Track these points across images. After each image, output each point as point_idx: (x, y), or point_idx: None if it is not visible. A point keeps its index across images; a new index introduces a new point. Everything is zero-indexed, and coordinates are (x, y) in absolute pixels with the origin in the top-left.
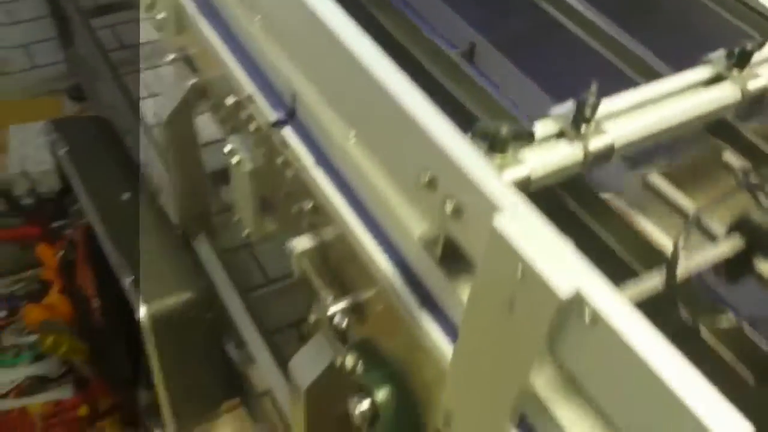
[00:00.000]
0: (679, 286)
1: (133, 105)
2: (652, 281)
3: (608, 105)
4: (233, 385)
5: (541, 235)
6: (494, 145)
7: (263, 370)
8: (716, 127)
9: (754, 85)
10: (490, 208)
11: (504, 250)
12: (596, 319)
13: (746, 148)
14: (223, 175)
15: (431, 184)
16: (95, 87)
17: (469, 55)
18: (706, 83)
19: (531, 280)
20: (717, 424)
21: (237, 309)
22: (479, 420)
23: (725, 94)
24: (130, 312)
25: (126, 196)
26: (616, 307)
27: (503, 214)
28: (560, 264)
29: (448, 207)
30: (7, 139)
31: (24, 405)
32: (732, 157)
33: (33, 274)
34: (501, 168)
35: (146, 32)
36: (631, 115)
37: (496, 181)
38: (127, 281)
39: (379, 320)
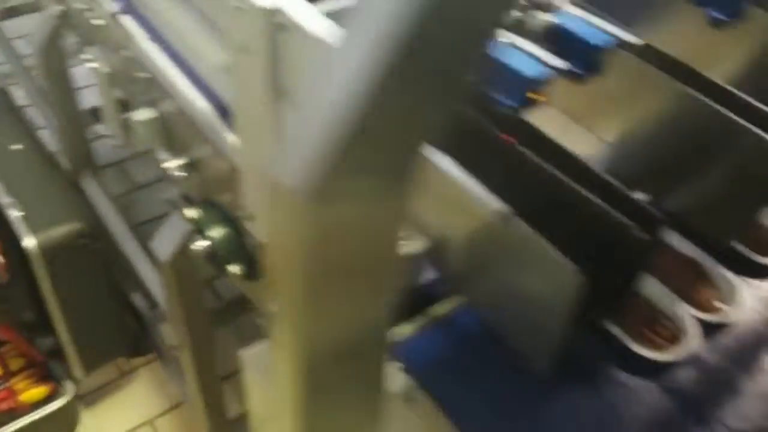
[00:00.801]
0: None
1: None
2: None
3: None
4: (143, 341)
5: None
6: None
7: (154, 291)
8: None
9: None
10: None
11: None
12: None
13: None
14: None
15: None
16: None
17: None
18: None
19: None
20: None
21: (125, 239)
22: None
23: None
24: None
25: (16, 146)
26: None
27: None
28: None
29: None
30: None
31: None
32: None
33: None
34: None
35: None
36: None
37: None
38: (15, 215)
39: (207, 165)
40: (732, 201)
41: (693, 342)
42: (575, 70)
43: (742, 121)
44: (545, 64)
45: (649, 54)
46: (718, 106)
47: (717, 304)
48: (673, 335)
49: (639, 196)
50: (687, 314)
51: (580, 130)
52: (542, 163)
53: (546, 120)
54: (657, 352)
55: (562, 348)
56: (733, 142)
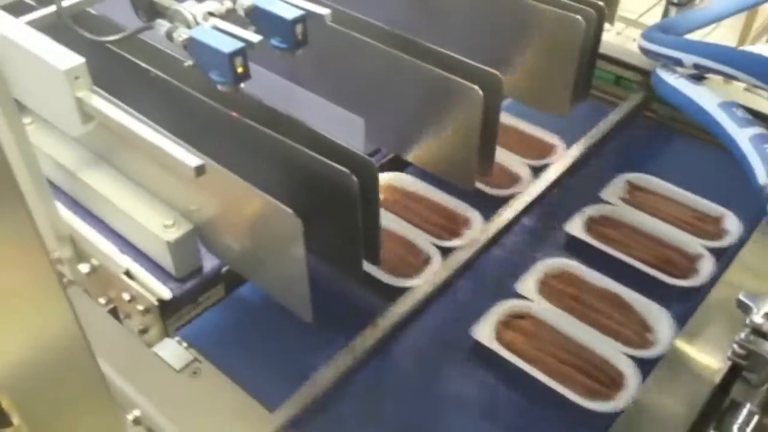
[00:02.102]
0: None
1: None
2: None
3: None
4: None
5: None
6: None
7: None
8: None
9: None
10: None
11: None
12: None
13: None
14: None
15: None
16: None
17: None
18: None
19: None
20: None
21: None
22: None
23: None
24: None
25: None
26: None
27: None
28: None
29: None
30: None
31: None
32: None
33: None
34: None
35: None
36: None
37: None
38: None
39: None
40: (464, 148)
41: (434, 267)
42: (280, 45)
43: (438, 70)
44: (242, 40)
45: (344, 20)
46: (416, 61)
47: (457, 234)
48: (419, 266)
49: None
50: (428, 243)
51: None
52: (266, 130)
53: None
54: (410, 279)
55: (317, 296)
56: (437, 91)
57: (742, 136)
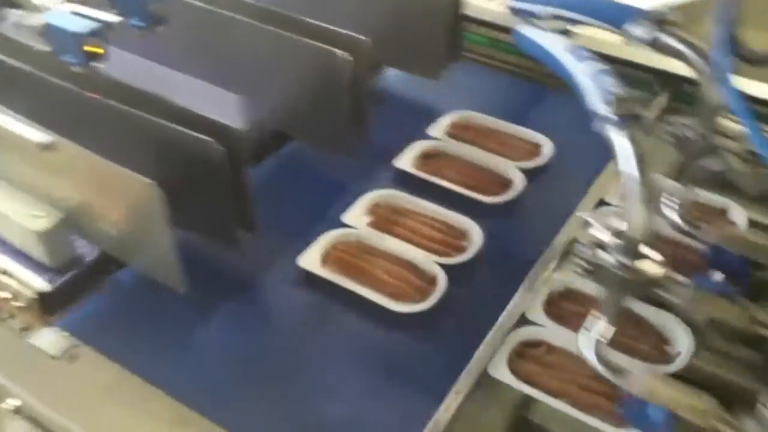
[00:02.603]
0: None
1: None
2: None
3: None
4: None
5: None
6: None
7: None
8: None
9: None
10: None
11: None
12: None
13: None
14: None
15: None
16: None
17: None
18: None
19: None
20: None
21: None
22: None
23: None
24: None
25: None
26: None
27: None
28: None
29: None
30: None
31: None
32: None
33: None
34: None
35: None
36: None
37: None
38: None
39: None
40: (339, 115)
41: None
42: (139, 23)
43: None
44: (98, 21)
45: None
46: (287, 33)
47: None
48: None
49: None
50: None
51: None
52: (131, 110)
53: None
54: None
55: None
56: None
57: (582, 69)
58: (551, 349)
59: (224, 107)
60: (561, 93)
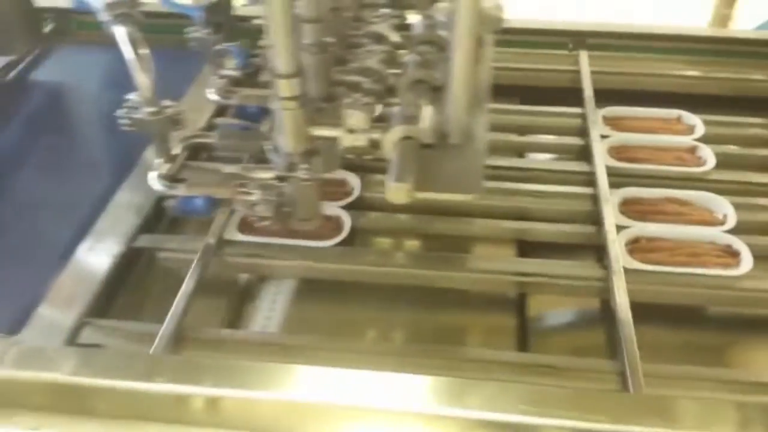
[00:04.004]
0: None
1: None
2: None
3: None
4: None
5: None
6: None
7: None
8: None
9: None
10: None
11: None
12: None
13: None
14: None
15: None
16: None
17: None
18: None
19: None
20: None
21: None
22: None
23: None
24: None
25: None
26: None
27: None
28: None
29: None
30: None
31: None
32: None
33: None
34: None
35: None
36: None
37: None
38: None
39: None
40: None
41: None
42: None
43: None
44: None
45: None
46: None
47: None
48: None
49: None
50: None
51: None
52: None
53: None
54: None
55: None
56: None
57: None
58: None
59: None
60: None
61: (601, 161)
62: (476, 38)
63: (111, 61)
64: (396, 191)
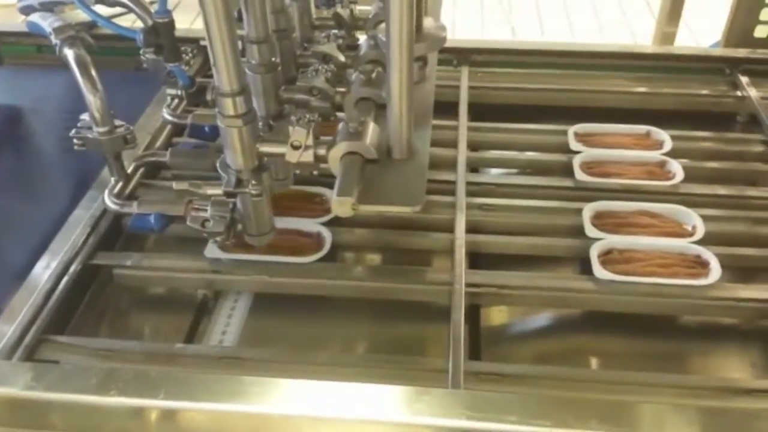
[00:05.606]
0: None
1: None
2: None
3: None
4: None
5: None
6: None
7: None
8: None
9: None
10: None
11: None
12: None
13: None
14: None
15: None
16: None
17: None
18: None
19: None
20: None
21: None
22: None
23: None
24: None
25: None
26: None
27: None
28: None
29: None
30: None
31: None
32: None
33: None
34: None
35: None
36: None
37: None
38: None
39: None
40: None
41: None
42: None
43: None
44: None
45: None
46: None
47: None
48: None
49: None
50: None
51: None
52: None
53: None
54: None
55: None
56: None
57: (47, 24)
58: None
59: None
60: None
61: (462, 171)
62: (412, 57)
63: (69, 82)
64: (340, 204)
